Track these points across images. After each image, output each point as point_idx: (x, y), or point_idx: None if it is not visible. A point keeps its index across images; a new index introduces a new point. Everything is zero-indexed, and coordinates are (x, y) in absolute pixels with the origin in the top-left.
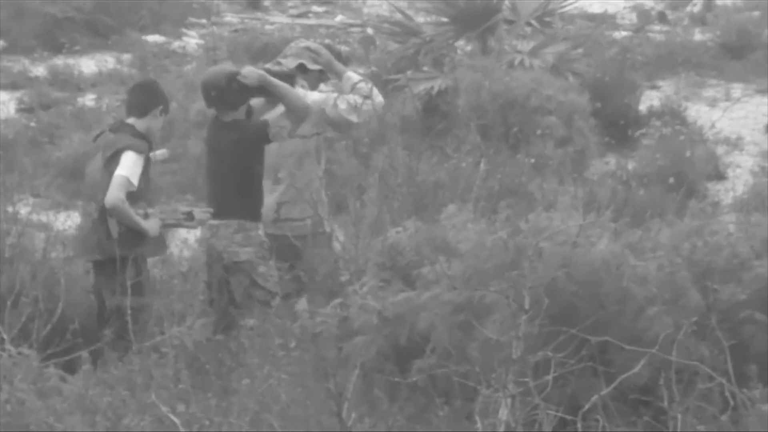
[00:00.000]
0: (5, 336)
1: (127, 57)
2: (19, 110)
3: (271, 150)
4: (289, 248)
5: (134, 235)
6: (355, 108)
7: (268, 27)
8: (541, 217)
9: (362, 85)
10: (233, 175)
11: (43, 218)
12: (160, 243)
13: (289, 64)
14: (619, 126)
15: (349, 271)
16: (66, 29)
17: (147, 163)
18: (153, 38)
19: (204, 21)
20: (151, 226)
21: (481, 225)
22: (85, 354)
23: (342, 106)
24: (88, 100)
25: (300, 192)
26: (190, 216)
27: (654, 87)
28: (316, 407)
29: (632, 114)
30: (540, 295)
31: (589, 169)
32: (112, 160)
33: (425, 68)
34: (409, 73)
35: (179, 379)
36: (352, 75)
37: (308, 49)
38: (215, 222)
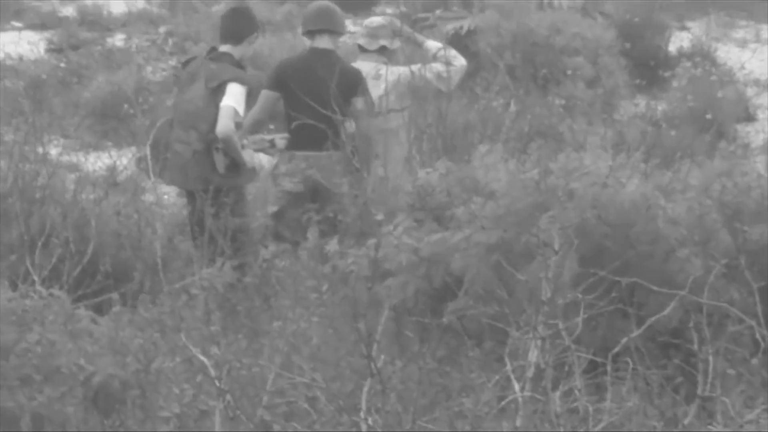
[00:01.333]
0: (36, 277)
1: None
2: (48, 50)
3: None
4: None
5: (235, 166)
6: (440, 77)
7: None
8: (571, 158)
9: (443, 53)
10: (332, 105)
11: (73, 159)
12: (252, 171)
13: (371, 46)
14: (648, 67)
15: (382, 212)
16: None
17: (248, 96)
18: None
19: None
20: (248, 156)
21: (511, 165)
22: (115, 296)
23: (429, 76)
24: (117, 40)
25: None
26: (272, 143)
27: (683, 28)
28: (346, 349)
29: (662, 55)
30: (570, 237)
31: (619, 111)
32: (218, 91)
33: (455, 8)
34: (438, 12)
35: (210, 320)
36: (432, 43)
37: (384, 27)
38: (311, 153)
